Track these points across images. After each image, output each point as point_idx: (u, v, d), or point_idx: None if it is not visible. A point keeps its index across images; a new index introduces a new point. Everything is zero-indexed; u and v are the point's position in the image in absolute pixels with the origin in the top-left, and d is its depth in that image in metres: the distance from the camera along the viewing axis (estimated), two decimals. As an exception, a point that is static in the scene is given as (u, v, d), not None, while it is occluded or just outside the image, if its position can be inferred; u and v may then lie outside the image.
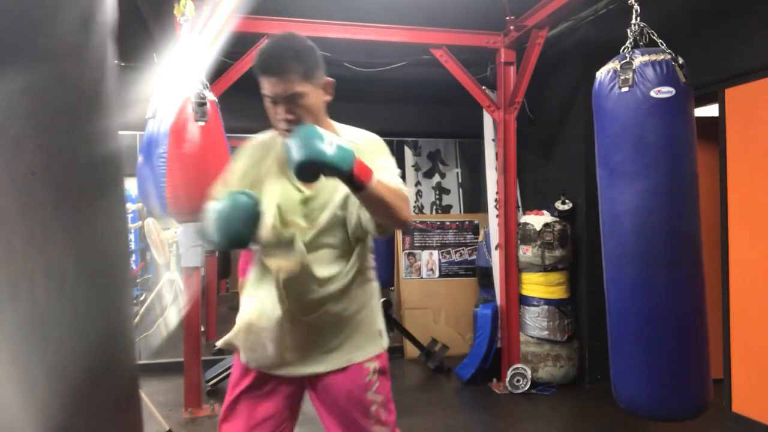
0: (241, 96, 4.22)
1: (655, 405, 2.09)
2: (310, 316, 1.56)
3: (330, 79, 1.55)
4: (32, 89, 0.69)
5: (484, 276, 4.78)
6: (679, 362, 2.07)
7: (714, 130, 3.40)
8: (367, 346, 1.62)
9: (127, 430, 0.85)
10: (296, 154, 1.28)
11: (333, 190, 1.54)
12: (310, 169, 1.30)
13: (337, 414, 1.60)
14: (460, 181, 5.81)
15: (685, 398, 2.09)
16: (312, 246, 1.54)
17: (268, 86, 1.46)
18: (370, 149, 1.54)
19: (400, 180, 1.52)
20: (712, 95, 3.36)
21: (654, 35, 2.20)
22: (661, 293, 2.06)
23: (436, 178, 5.77)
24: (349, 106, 5.32)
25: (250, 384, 1.60)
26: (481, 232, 5.08)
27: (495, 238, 4.41)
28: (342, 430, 1.60)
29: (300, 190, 1.56)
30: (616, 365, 2.21)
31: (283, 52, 1.46)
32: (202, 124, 2.84)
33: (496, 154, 4.40)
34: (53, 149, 0.72)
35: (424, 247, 5.33)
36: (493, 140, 4.49)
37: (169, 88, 2.99)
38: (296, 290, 1.54)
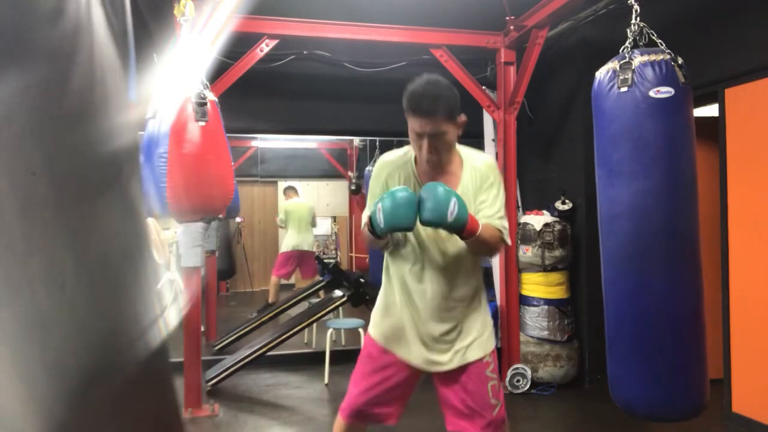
0: (241, 96, 4.23)
1: (653, 405, 2.09)
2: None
3: (465, 117, 1.81)
4: (32, 89, 0.69)
5: (484, 276, 4.78)
6: (677, 362, 2.06)
7: (714, 130, 3.40)
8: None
9: (132, 429, 0.85)
10: (425, 212, 1.63)
11: None
12: (432, 226, 1.69)
13: None
14: (460, 181, 5.81)
15: (683, 398, 2.08)
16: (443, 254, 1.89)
17: (417, 124, 1.74)
18: (486, 175, 1.86)
19: (501, 212, 1.84)
20: (712, 95, 3.36)
21: (654, 35, 2.19)
22: (658, 294, 2.05)
23: (436, 178, 5.76)
24: (349, 106, 5.34)
25: None
26: (481, 232, 5.08)
27: (495, 238, 4.40)
28: None
29: None
30: (613, 366, 2.20)
31: (433, 96, 1.71)
32: (202, 124, 2.84)
33: (496, 154, 4.40)
34: (53, 149, 0.72)
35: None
36: (493, 140, 4.49)
37: (169, 88, 2.99)
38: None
